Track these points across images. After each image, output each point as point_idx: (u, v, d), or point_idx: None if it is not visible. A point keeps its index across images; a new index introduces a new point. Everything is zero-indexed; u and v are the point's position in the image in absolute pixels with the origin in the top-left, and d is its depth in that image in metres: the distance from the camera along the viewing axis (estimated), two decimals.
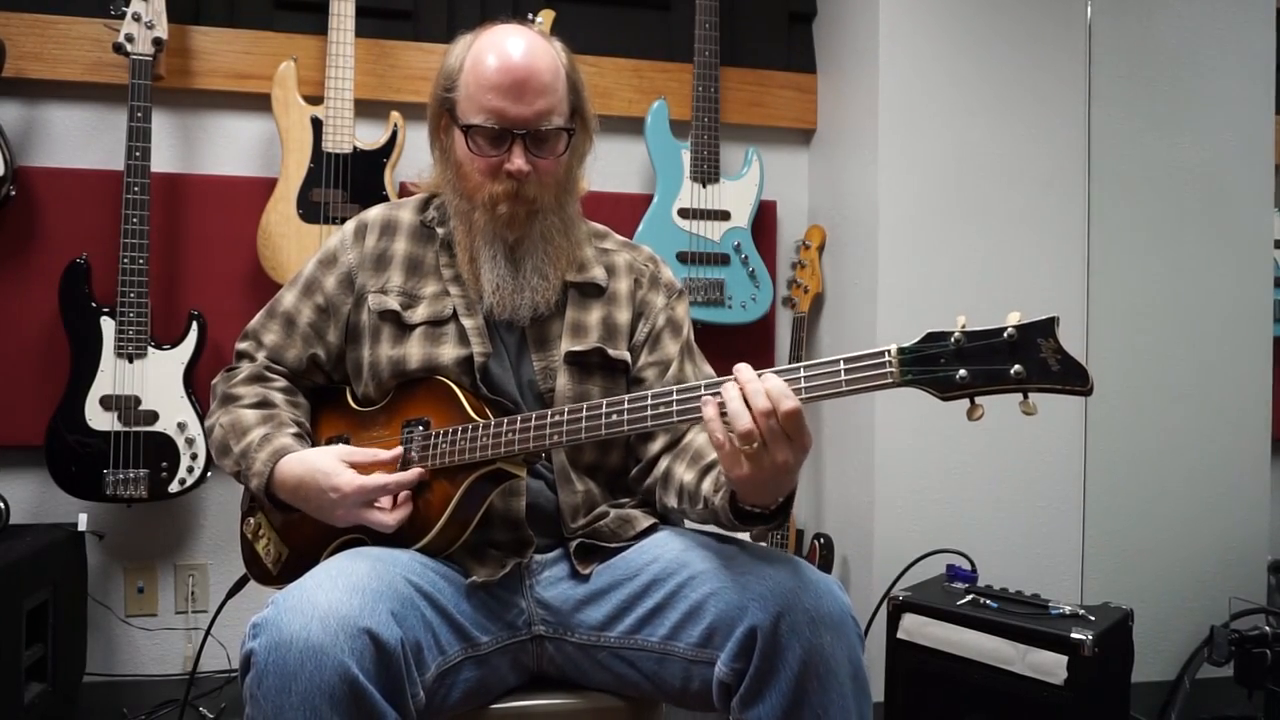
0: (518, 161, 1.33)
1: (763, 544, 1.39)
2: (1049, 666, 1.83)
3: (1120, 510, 2.53)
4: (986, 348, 1.04)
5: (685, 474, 1.33)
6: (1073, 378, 1.02)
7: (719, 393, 1.12)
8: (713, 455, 1.27)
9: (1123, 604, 2.01)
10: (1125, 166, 2.54)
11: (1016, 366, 1.03)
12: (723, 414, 1.10)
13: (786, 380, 1.10)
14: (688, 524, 1.44)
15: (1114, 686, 1.92)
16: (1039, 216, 2.50)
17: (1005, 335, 1.04)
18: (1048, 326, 1.03)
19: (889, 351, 1.07)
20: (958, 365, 1.05)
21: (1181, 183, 2.58)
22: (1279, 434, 2.72)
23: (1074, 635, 1.81)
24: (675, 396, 1.17)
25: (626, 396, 1.21)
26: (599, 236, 1.52)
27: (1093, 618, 1.90)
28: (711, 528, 1.34)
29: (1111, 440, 2.52)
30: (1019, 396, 1.05)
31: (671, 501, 1.35)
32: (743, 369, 1.11)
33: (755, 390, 1.08)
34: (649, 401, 1.19)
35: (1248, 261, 2.64)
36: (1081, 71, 2.52)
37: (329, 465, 1.29)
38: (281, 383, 1.45)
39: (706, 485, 1.27)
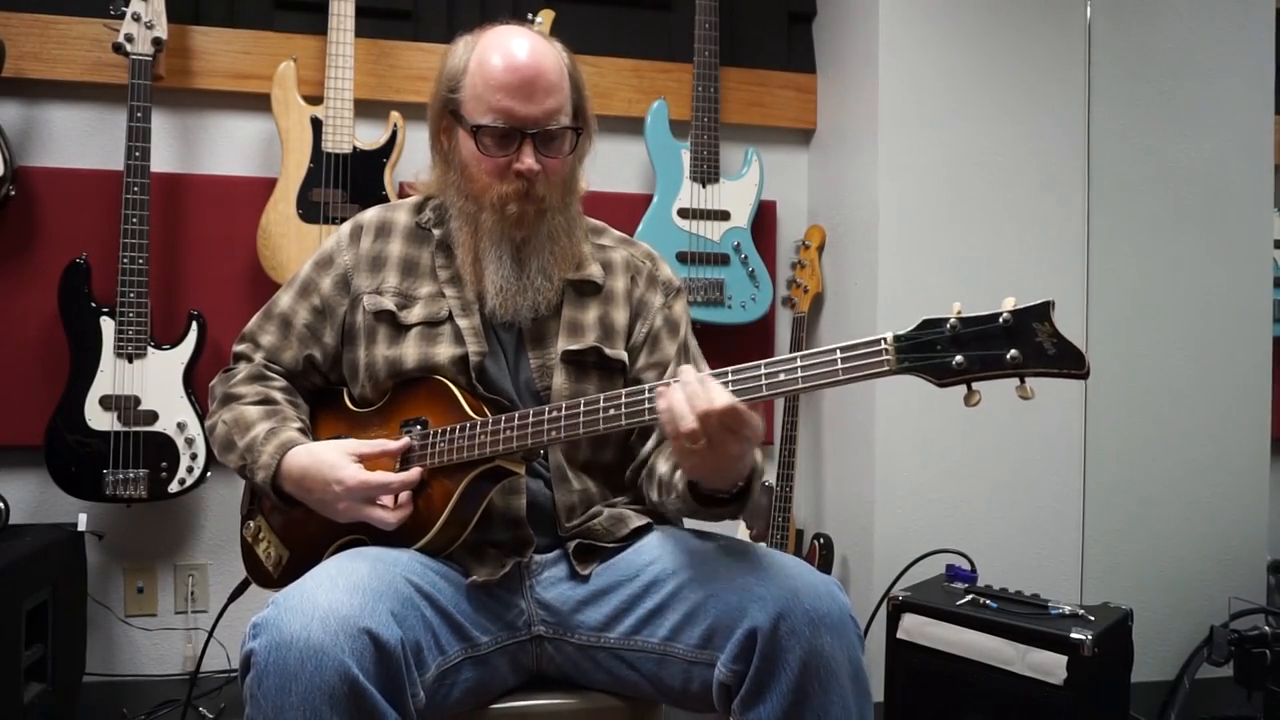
0: (528, 161, 1.32)
1: (762, 544, 1.40)
2: (1049, 666, 1.83)
3: (1120, 510, 2.53)
4: (982, 333, 1.05)
5: (663, 466, 1.34)
6: (1069, 361, 1.03)
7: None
8: None
9: (1123, 604, 2.01)
10: (1125, 167, 2.54)
11: (1012, 351, 1.04)
12: None
13: (783, 370, 1.11)
14: (687, 523, 1.44)
15: (1114, 686, 1.92)
16: (1039, 216, 2.50)
17: (1001, 320, 1.04)
18: (1043, 310, 1.03)
19: (885, 339, 1.07)
20: (954, 351, 1.05)
21: (1181, 183, 2.58)
22: (1279, 434, 2.73)
23: (1074, 635, 1.81)
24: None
25: (624, 391, 1.22)
26: (595, 233, 1.51)
27: (1092, 618, 1.90)
28: (710, 528, 1.34)
29: (1111, 440, 2.51)
30: (1015, 382, 1.05)
31: (654, 495, 1.36)
32: (686, 370, 1.15)
33: (695, 392, 1.10)
34: (645, 396, 1.19)
35: (1248, 261, 2.64)
36: (1081, 72, 2.51)
37: (335, 458, 1.30)
38: (281, 382, 1.46)
39: (677, 474, 1.28)
